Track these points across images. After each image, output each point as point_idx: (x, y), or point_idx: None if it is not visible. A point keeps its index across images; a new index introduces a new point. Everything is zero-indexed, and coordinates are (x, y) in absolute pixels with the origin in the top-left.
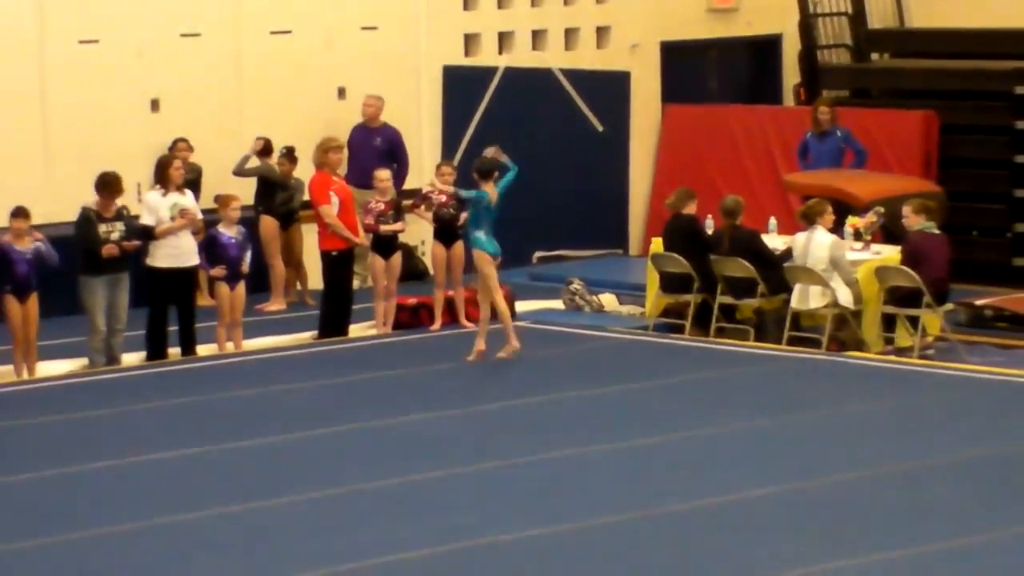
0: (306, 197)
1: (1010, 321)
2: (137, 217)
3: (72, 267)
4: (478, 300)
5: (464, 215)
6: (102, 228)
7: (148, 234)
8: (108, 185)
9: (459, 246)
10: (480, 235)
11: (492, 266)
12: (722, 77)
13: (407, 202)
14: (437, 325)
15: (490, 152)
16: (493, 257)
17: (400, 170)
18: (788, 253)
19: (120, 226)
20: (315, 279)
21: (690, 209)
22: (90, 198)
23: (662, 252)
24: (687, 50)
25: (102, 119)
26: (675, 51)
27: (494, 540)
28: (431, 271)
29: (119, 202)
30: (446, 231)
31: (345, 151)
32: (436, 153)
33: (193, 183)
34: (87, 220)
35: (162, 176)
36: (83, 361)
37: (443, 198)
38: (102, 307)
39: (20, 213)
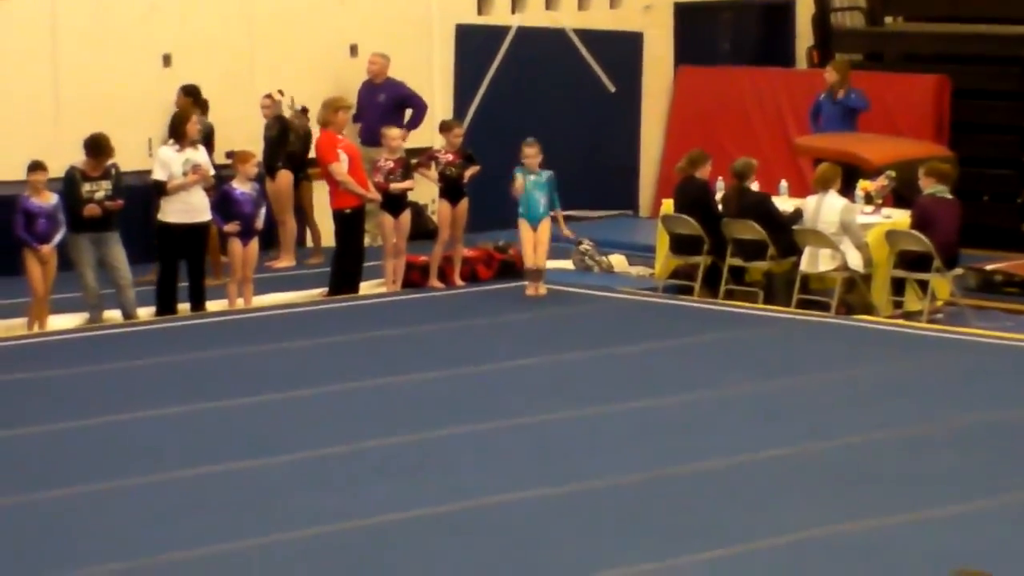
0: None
1: (1019, 286)
2: (138, 173)
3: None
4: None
5: (468, 172)
6: (86, 187)
7: (160, 189)
8: (98, 148)
9: (464, 203)
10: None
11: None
12: (735, 39)
13: (415, 161)
14: (433, 281)
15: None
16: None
17: (416, 114)
18: (797, 214)
19: (106, 185)
20: (322, 236)
21: (703, 172)
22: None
23: (672, 214)
24: (700, 11)
25: (113, 74)
26: (688, 12)
27: (501, 500)
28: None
29: (110, 160)
30: (452, 189)
31: (352, 110)
32: (448, 112)
33: (205, 139)
34: (71, 180)
35: (178, 131)
36: (85, 315)
37: (449, 156)
38: (90, 263)
39: (37, 167)
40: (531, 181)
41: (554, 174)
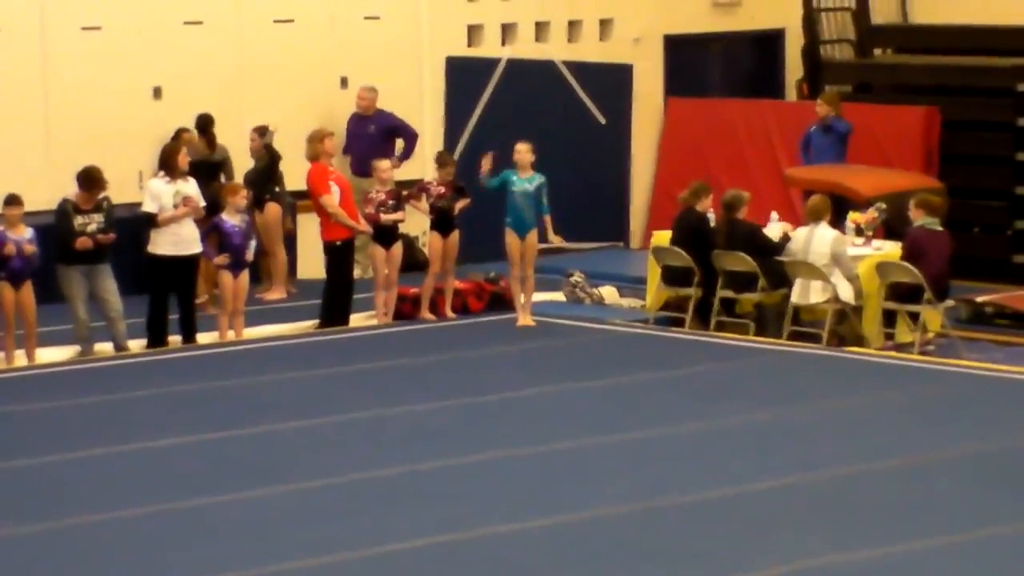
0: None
1: (1010, 318)
2: (129, 206)
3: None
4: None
5: (459, 205)
6: (78, 220)
7: (151, 222)
8: (91, 181)
9: (455, 236)
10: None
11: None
12: (725, 71)
13: (405, 192)
14: (424, 313)
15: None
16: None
17: (408, 145)
18: (785, 240)
19: (98, 218)
20: (312, 268)
21: (704, 204)
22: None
23: (663, 245)
24: (690, 43)
25: (104, 106)
26: (678, 44)
27: (493, 530)
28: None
29: (102, 194)
30: (443, 221)
31: (337, 137)
32: (438, 144)
33: (219, 165)
34: (64, 212)
35: (168, 164)
36: (76, 348)
37: (441, 189)
38: (81, 296)
39: (14, 201)
40: (520, 190)
41: (545, 179)
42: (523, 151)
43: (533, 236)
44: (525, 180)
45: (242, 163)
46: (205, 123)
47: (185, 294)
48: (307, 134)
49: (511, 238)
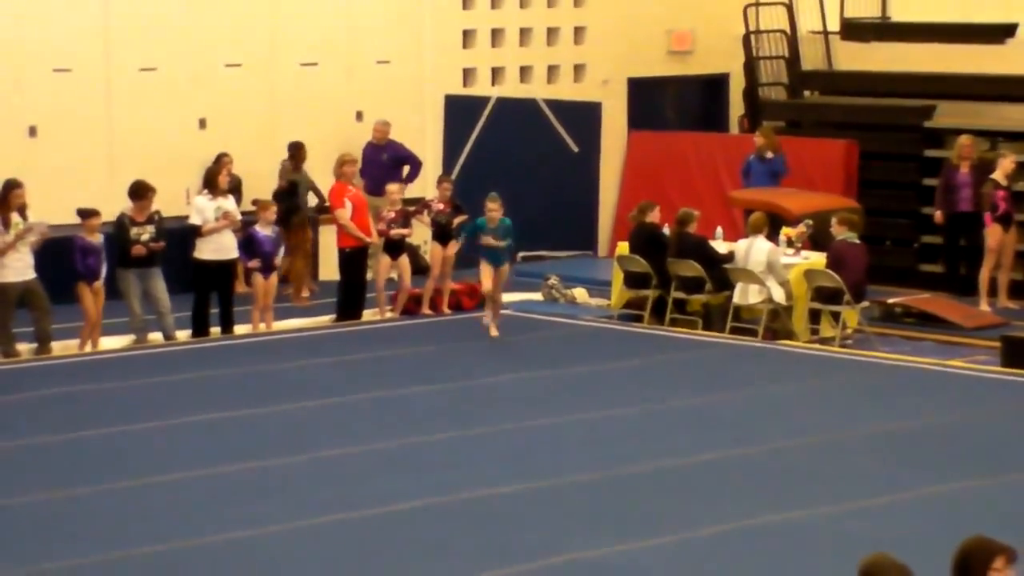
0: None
1: (916, 317)
2: (178, 218)
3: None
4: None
5: (456, 220)
6: (133, 231)
7: (196, 232)
8: (138, 192)
9: (452, 246)
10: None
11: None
12: (678, 108)
13: (411, 208)
14: (424, 309)
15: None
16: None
17: (413, 171)
18: (731, 255)
19: (150, 229)
20: (332, 271)
21: (652, 217)
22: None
23: (626, 254)
24: (650, 85)
25: (158, 134)
26: (640, 85)
27: (482, 493)
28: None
29: (153, 207)
30: (442, 233)
31: (358, 164)
32: (438, 168)
33: (234, 190)
34: (121, 225)
35: (211, 183)
36: (132, 337)
37: (440, 206)
38: (136, 294)
39: (91, 213)
40: (493, 236)
41: (510, 222)
42: (493, 209)
43: (505, 268)
44: (495, 227)
45: (274, 183)
46: (295, 149)
47: (224, 292)
48: (327, 159)
49: (485, 267)
